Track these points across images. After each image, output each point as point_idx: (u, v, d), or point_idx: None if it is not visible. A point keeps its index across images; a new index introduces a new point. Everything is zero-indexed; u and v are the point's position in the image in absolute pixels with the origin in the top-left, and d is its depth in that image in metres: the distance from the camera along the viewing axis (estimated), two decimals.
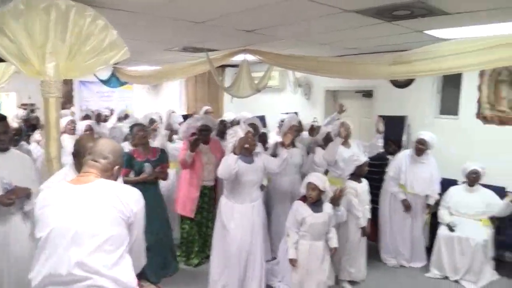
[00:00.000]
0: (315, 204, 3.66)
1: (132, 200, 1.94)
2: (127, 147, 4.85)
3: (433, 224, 4.81)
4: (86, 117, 6.97)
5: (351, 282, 4.35)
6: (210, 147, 4.74)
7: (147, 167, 4.22)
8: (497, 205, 4.47)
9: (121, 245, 1.87)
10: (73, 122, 5.75)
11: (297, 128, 4.94)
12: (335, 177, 4.52)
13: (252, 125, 4.83)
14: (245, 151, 3.75)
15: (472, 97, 5.44)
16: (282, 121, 5.95)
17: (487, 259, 4.40)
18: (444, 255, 4.52)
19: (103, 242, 1.80)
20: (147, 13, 3.48)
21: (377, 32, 4.22)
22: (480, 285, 4.36)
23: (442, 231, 4.59)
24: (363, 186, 4.37)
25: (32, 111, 8.52)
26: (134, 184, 4.00)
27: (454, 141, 5.56)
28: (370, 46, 5.19)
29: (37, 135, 6.54)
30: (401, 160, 4.88)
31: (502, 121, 5.21)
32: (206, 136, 4.71)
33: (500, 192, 4.68)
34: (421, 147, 4.75)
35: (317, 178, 3.64)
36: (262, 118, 8.07)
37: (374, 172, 4.90)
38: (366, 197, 4.38)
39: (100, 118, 7.33)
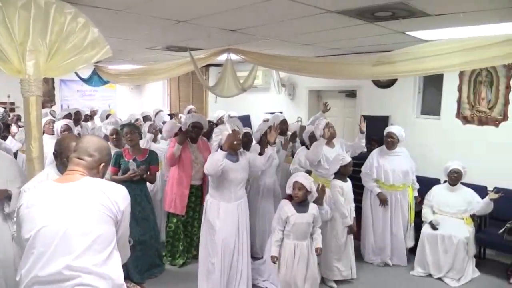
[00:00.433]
0: (301, 204, 3.65)
1: (119, 198, 1.91)
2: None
3: (418, 223, 4.85)
4: (67, 116, 6.85)
5: (337, 282, 4.37)
6: (198, 146, 4.71)
7: (131, 164, 4.22)
8: (478, 204, 4.54)
9: (109, 243, 1.84)
10: (52, 121, 5.64)
11: (281, 128, 4.93)
12: (319, 177, 4.54)
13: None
14: (231, 149, 3.74)
15: (453, 98, 5.52)
16: (266, 120, 5.96)
17: (469, 257, 4.46)
18: (428, 253, 4.57)
19: (92, 242, 1.77)
20: (128, 11, 3.44)
21: (359, 33, 4.25)
22: (462, 282, 4.42)
23: (425, 229, 4.65)
24: (348, 185, 4.39)
25: (12, 110, 8.36)
26: (121, 183, 4.00)
27: (436, 141, 5.66)
28: (353, 47, 5.23)
29: (13, 127, 6.45)
30: (372, 156, 4.94)
31: (481, 121, 5.30)
32: (197, 134, 4.68)
33: (482, 191, 4.76)
34: (390, 140, 4.81)
35: (304, 178, 3.64)
36: (247, 118, 8.10)
37: (357, 171, 4.94)
38: (351, 196, 4.41)
39: (79, 117, 7.19)
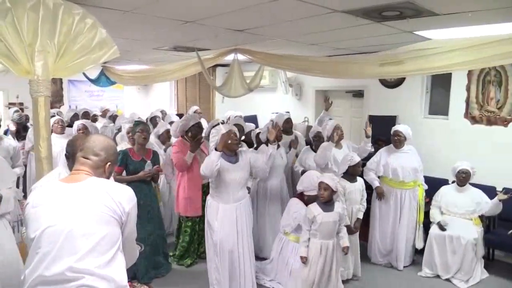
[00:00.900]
0: (326, 203, 3.68)
1: (124, 199, 1.89)
2: (125, 147, 4.84)
3: (426, 224, 4.82)
4: (74, 116, 6.89)
5: (343, 282, 4.36)
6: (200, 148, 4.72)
7: (148, 165, 4.25)
8: (487, 204, 4.51)
9: (114, 244, 1.84)
10: (61, 121, 5.69)
11: (285, 127, 4.92)
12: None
13: (237, 125, 4.83)
14: (228, 150, 3.73)
15: (462, 98, 5.49)
16: (272, 121, 5.97)
17: (477, 258, 4.43)
18: (436, 253, 4.54)
19: (97, 243, 1.77)
20: (136, 11, 3.46)
21: (366, 33, 4.24)
22: (471, 284, 4.38)
23: (433, 230, 4.62)
24: (356, 185, 4.37)
25: (22, 110, 8.43)
26: (129, 183, 4.03)
27: (444, 141, 5.62)
28: (360, 47, 5.21)
29: (11, 125, 6.52)
30: (379, 153, 4.91)
31: (490, 121, 5.26)
32: (198, 134, 4.69)
33: (490, 191, 4.72)
34: (397, 139, 4.78)
35: (329, 178, 3.67)
36: (253, 118, 8.11)
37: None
38: (358, 196, 4.39)
39: (87, 117, 7.25)
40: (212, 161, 3.57)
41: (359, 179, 4.42)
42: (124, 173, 4.25)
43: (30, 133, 5.91)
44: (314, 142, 4.96)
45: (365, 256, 4.97)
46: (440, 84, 5.86)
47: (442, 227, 4.54)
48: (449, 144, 5.55)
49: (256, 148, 4.90)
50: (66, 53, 2.81)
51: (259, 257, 4.77)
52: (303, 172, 4.73)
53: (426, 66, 3.64)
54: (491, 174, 4.94)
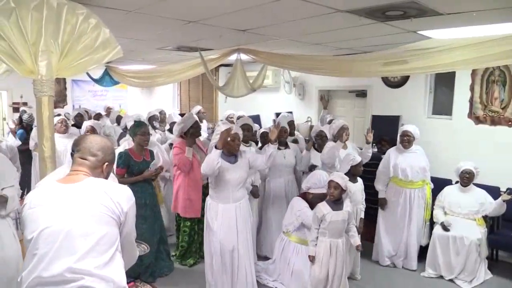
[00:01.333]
0: (335, 202, 3.69)
1: (123, 199, 1.88)
2: (122, 146, 4.85)
3: (432, 223, 4.82)
4: (78, 116, 6.91)
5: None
6: (197, 147, 4.72)
7: (154, 165, 4.28)
8: (491, 205, 4.49)
9: (112, 244, 1.83)
10: (64, 121, 5.71)
11: (285, 129, 4.91)
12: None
13: (246, 125, 4.84)
14: (227, 151, 3.72)
15: (465, 97, 5.47)
16: (274, 120, 5.98)
17: (481, 258, 4.42)
18: (439, 254, 4.53)
19: (95, 243, 1.76)
20: (139, 11, 3.46)
21: (370, 32, 4.23)
22: (474, 284, 4.38)
23: (437, 230, 4.61)
24: (358, 185, 4.37)
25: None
26: (132, 183, 4.03)
27: (447, 141, 5.60)
28: (363, 46, 5.20)
29: (10, 123, 6.54)
30: (388, 155, 4.93)
31: (494, 121, 5.24)
32: (197, 133, 4.70)
33: (494, 192, 4.70)
34: (407, 139, 4.80)
35: (339, 177, 3.67)
36: (256, 118, 8.11)
37: (368, 171, 4.92)
38: (360, 196, 4.39)
39: (90, 117, 7.27)
40: (213, 159, 3.55)
41: (359, 179, 4.42)
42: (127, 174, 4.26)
43: (33, 133, 5.93)
44: (317, 141, 4.95)
45: (369, 256, 4.96)
46: (444, 84, 5.84)
47: (445, 228, 4.53)
48: (453, 144, 5.53)
49: (260, 148, 4.91)
50: (70, 53, 2.81)
51: (262, 257, 4.78)
52: (311, 169, 4.74)
53: (429, 64, 3.63)
54: (495, 174, 4.92)
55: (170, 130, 6.42)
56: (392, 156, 4.87)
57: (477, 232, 4.43)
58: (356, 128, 7.15)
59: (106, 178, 2.04)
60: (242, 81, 5.59)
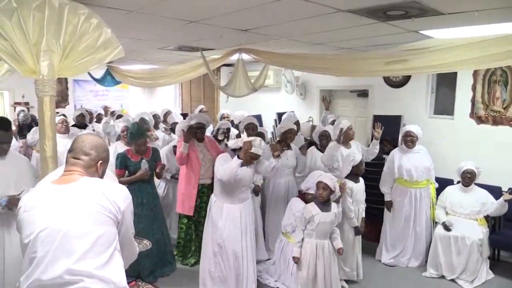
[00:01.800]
0: (324, 203, 3.69)
1: (119, 198, 1.86)
2: (119, 146, 4.84)
3: (434, 223, 4.83)
4: (80, 116, 6.91)
5: (347, 281, 4.36)
6: (206, 145, 4.73)
7: (144, 164, 4.24)
8: (492, 205, 4.49)
9: (110, 244, 1.81)
10: (65, 121, 5.70)
11: (294, 131, 4.91)
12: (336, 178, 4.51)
13: (251, 124, 4.84)
14: (246, 160, 3.73)
15: (467, 97, 5.46)
16: (275, 120, 5.97)
17: (482, 258, 4.41)
18: (441, 254, 4.53)
19: (93, 244, 1.74)
20: (140, 11, 3.46)
21: (371, 32, 4.22)
22: (476, 284, 4.37)
23: (438, 230, 4.61)
24: (359, 185, 4.37)
25: (28, 110, 8.47)
26: (131, 183, 4.04)
27: (449, 141, 5.60)
28: (364, 46, 5.19)
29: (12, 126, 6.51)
30: (392, 156, 4.94)
31: (496, 121, 5.23)
32: (202, 133, 4.72)
33: (496, 192, 4.70)
34: (410, 139, 4.83)
35: (328, 178, 3.67)
36: (258, 118, 8.11)
37: (370, 171, 4.92)
38: (362, 196, 4.39)
39: (91, 117, 7.27)
40: (233, 168, 3.59)
41: (360, 179, 4.42)
42: (127, 174, 4.27)
43: (32, 132, 5.96)
44: (321, 141, 4.94)
45: (371, 256, 4.96)
46: (446, 83, 5.83)
47: (447, 228, 4.52)
48: (454, 144, 5.53)
49: None
50: (72, 53, 2.81)
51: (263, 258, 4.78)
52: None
53: (430, 64, 3.63)
54: (496, 174, 4.91)
55: (172, 130, 6.45)
56: (396, 157, 4.88)
57: (479, 232, 4.43)
58: (357, 128, 7.14)
59: (101, 176, 2.02)
60: (244, 81, 5.60)
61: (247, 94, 5.83)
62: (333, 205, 3.77)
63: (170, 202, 5.45)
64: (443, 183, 5.00)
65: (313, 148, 5.06)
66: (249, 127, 5.12)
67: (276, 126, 7.61)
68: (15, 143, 5.16)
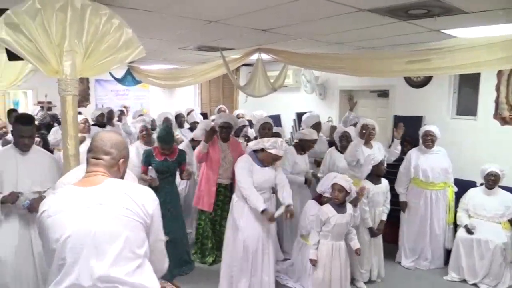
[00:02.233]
0: (340, 205, 3.67)
1: (147, 201, 1.78)
2: (140, 146, 4.89)
3: (456, 226, 4.73)
4: (100, 115, 7.01)
5: (366, 282, 4.32)
6: (229, 145, 4.74)
7: (151, 172, 4.35)
8: None
9: (140, 249, 1.74)
10: (86, 121, 5.74)
11: (314, 143, 4.89)
12: (357, 179, 4.48)
13: (266, 124, 4.84)
14: (265, 161, 3.77)
15: (491, 98, 5.34)
16: (294, 120, 5.95)
17: (506, 263, 4.31)
18: (463, 257, 4.44)
19: (122, 249, 1.67)
20: (161, 12, 3.49)
21: (392, 31, 4.17)
22: None
23: (460, 233, 4.52)
24: (380, 187, 4.31)
25: (49, 109, 8.63)
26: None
27: (472, 142, 5.47)
28: (385, 46, 5.13)
29: None
30: (409, 155, 4.87)
31: None
32: (227, 133, 4.73)
33: None
34: (430, 139, 4.75)
35: (343, 180, 3.65)
36: (277, 118, 8.10)
37: (391, 173, 4.86)
38: (381, 198, 4.33)
39: (112, 116, 7.35)
40: (254, 206, 3.66)
41: (383, 180, 4.36)
42: (154, 172, 4.34)
43: (52, 132, 6.01)
44: (341, 142, 4.90)
45: (392, 258, 4.90)
46: (468, 84, 5.71)
47: (469, 231, 4.43)
48: (478, 145, 5.40)
49: None
50: (93, 53, 2.86)
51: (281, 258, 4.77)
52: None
53: (453, 64, 3.56)
54: None
55: (191, 129, 6.51)
56: (413, 156, 4.81)
57: (503, 236, 4.33)
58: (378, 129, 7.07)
59: (123, 176, 1.96)
60: (263, 80, 5.61)
61: (266, 94, 5.83)
62: (348, 205, 3.74)
63: (191, 201, 5.48)
64: (465, 185, 4.90)
65: (332, 149, 5.02)
66: (265, 127, 5.12)
67: (296, 126, 7.60)
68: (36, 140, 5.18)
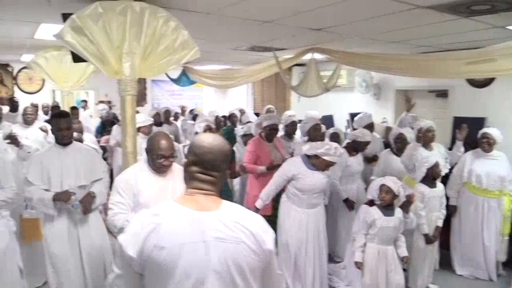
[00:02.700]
0: (387, 207, 3.57)
1: (267, 235, 1.52)
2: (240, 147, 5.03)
3: None
4: (156, 115, 7.23)
5: None
6: (275, 145, 4.74)
7: None
8: None
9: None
10: (150, 125, 5.51)
11: (366, 145, 4.80)
12: (414, 181, 4.34)
13: (317, 125, 4.88)
14: (316, 164, 3.72)
15: None
16: (348, 121, 5.85)
17: None
18: None
19: None
20: (216, 13, 3.55)
21: (452, 29, 4.00)
22: None
23: None
24: (436, 191, 4.13)
25: (110, 108, 9.03)
26: None
27: None
28: (444, 44, 4.94)
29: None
30: (464, 158, 4.60)
31: None
32: (274, 135, 4.73)
33: None
34: (486, 141, 4.43)
35: (391, 181, 3.55)
36: (329, 118, 8.01)
37: (446, 175, 4.65)
38: (438, 203, 4.15)
39: (168, 116, 7.55)
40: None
41: (439, 184, 4.18)
42: None
43: (114, 131, 6.18)
44: (396, 144, 4.77)
45: (448, 266, 4.70)
46: None
47: None
48: None
49: None
50: (151, 54, 2.96)
51: (333, 260, 4.72)
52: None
53: None
54: None
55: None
56: (468, 159, 4.55)
57: None
58: (435, 131, 6.81)
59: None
60: (316, 80, 5.56)
61: (319, 94, 5.78)
62: (398, 210, 3.61)
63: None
64: None
65: (387, 151, 4.89)
66: (316, 128, 5.07)
67: (349, 126, 7.48)
68: (92, 138, 5.25)
